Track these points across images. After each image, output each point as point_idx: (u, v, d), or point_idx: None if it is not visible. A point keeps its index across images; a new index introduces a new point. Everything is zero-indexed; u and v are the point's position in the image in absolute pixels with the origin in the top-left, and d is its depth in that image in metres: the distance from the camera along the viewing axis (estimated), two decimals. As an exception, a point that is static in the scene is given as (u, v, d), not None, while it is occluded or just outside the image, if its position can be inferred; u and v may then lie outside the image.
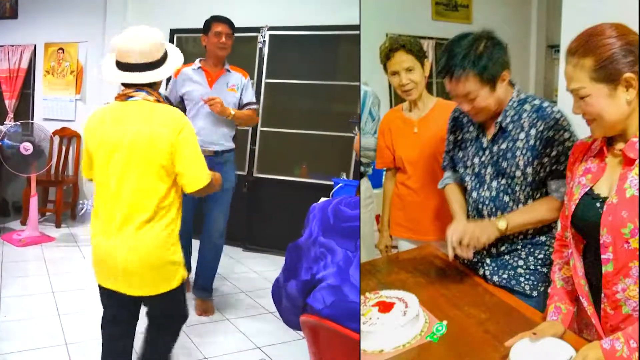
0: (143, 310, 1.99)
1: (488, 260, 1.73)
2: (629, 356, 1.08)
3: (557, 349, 1.22)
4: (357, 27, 4.05)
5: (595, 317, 1.28)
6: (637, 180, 1.17)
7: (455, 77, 1.54)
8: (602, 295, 1.25)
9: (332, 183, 3.47)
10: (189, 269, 3.03)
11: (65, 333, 2.69)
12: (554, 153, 1.54)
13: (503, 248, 1.69)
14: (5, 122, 5.05)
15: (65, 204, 5.00)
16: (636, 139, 1.19)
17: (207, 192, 1.86)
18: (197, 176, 1.79)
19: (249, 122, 3.30)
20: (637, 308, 1.19)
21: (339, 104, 4.53)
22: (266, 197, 4.61)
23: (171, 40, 4.79)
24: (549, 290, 1.47)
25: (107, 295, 1.89)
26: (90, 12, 5.02)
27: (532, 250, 1.67)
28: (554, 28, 5.51)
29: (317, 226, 1.35)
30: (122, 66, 1.79)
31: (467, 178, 1.77)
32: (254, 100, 3.23)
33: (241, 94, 3.16)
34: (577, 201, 1.28)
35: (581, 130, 1.43)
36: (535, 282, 1.66)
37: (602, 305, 1.26)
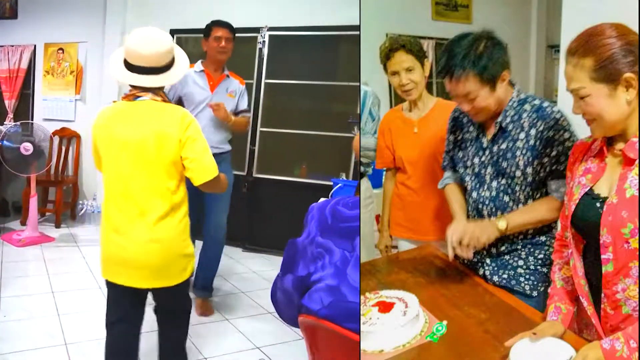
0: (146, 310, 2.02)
1: (488, 260, 1.73)
2: (629, 356, 1.08)
3: (557, 349, 1.22)
4: (357, 28, 4.05)
5: (595, 317, 1.28)
6: (637, 180, 1.17)
7: (455, 77, 1.54)
8: (602, 295, 1.25)
9: (331, 183, 3.47)
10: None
11: (64, 333, 2.69)
12: (554, 153, 1.54)
13: (503, 248, 1.69)
14: (5, 122, 5.05)
15: (65, 204, 4.99)
16: (636, 139, 1.19)
17: (214, 187, 1.91)
18: (206, 168, 1.84)
19: (243, 129, 3.40)
20: (637, 308, 1.19)
21: (338, 104, 4.53)
22: (266, 198, 4.61)
23: (171, 41, 4.78)
24: (549, 290, 1.47)
25: (116, 291, 1.92)
26: (90, 13, 5.02)
27: (532, 250, 1.67)
28: (554, 28, 5.51)
29: (315, 226, 1.35)
30: (132, 68, 1.82)
31: (467, 178, 1.77)
32: (247, 108, 3.34)
33: (237, 101, 3.24)
34: (577, 201, 1.28)
35: (581, 130, 1.43)
36: (535, 282, 1.66)
37: (602, 305, 1.26)
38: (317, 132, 4.47)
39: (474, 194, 1.74)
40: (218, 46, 3.08)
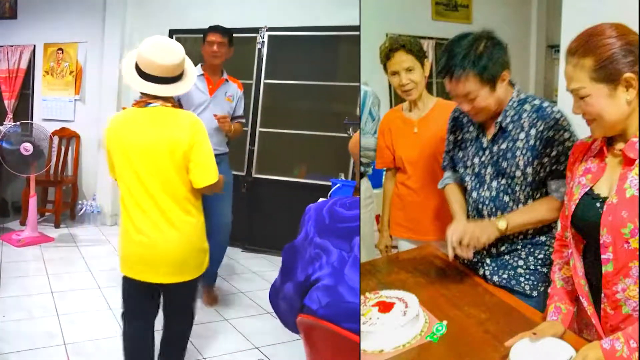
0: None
1: (488, 260, 1.73)
2: (629, 356, 1.08)
3: (557, 349, 1.22)
4: (356, 28, 4.05)
5: (595, 317, 1.28)
6: (637, 180, 1.17)
7: (455, 77, 1.54)
8: (602, 295, 1.25)
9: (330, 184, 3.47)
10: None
11: (64, 333, 2.69)
12: (554, 153, 1.54)
13: (503, 248, 1.69)
14: (4, 123, 5.04)
15: (64, 204, 4.99)
16: (636, 139, 1.19)
17: (213, 189, 2.00)
18: (208, 172, 1.94)
19: (237, 135, 3.48)
20: (637, 308, 1.19)
21: (338, 105, 4.53)
22: (265, 198, 4.61)
23: (170, 41, 4.78)
24: (549, 290, 1.47)
25: (131, 285, 2.02)
26: (90, 13, 5.02)
27: (532, 250, 1.67)
28: (554, 28, 5.51)
29: (312, 227, 1.35)
30: (146, 76, 1.90)
31: (467, 178, 1.77)
32: (243, 114, 3.46)
33: (235, 105, 3.34)
34: (577, 201, 1.28)
35: (581, 130, 1.43)
36: (535, 282, 1.66)
37: (602, 305, 1.26)
38: (317, 132, 4.47)
39: (474, 194, 1.74)
40: (211, 51, 3.19)
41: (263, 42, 4.57)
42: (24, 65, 5.27)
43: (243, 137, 4.49)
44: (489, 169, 1.68)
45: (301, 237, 1.37)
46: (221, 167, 3.13)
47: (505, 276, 1.69)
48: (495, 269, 1.71)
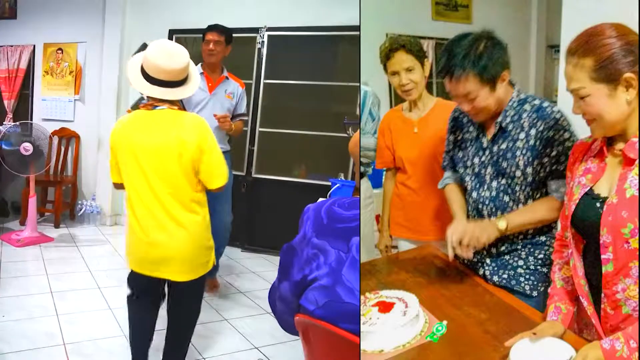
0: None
1: (488, 260, 1.73)
2: (629, 356, 1.08)
3: (557, 349, 1.22)
4: (356, 28, 4.05)
5: (595, 317, 1.28)
6: (637, 180, 1.17)
7: (455, 77, 1.54)
8: (602, 295, 1.25)
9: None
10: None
11: (63, 333, 2.69)
12: (554, 153, 1.54)
13: (503, 248, 1.69)
14: (4, 123, 5.04)
15: (64, 204, 4.99)
16: (636, 139, 1.19)
17: (221, 189, 2.09)
18: (220, 174, 2.05)
19: (238, 133, 3.53)
20: (637, 308, 1.19)
21: (337, 105, 4.53)
22: (265, 198, 4.61)
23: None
24: (549, 290, 1.47)
25: (140, 278, 2.10)
26: (89, 13, 5.01)
27: (532, 250, 1.67)
28: (554, 28, 5.50)
29: (310, 227, 1.34)
30: (152, 80, 1.96)
31: (467, 178, 1.77)
32: (246, 112, 3.48)
33: (236, 103, 3.36)
34: (577, 201, 1.28)
35: (581, 130, 1.43)
36: (535, 282, 1.66)
37: (602, 305, 1.26)
38: (317, 132, 4.47)
39: (474, 194, 1.74)
40: (207, 49, 3.22)
41: (263, 42, 4.57)
42: (23, 65, 5.27)
43: (243, 137, 4.49)
44: (489, 169, 1.68)
45: (299, 237, 1.37)
46: None
47: (505, 276, 1.69)
48: (495, 269, 1.71)
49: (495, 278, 1.70)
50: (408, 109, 2.30)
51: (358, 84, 3.98)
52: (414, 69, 2.13)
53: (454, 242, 1.56)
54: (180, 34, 4.77)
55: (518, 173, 1.60)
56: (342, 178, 3.95)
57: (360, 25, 3.12)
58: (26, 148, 4.24)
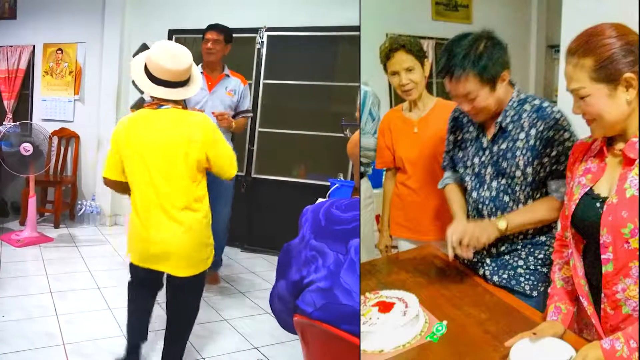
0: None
1: (488, 260, 1.73)
2: (629, 356, 1.08)
3: (557, 349, 1.22)
4: (355, 28, 4.05)
5: (595, 317, 1.28)
6: (637, 180, 1.17)
7: (455, 77, 1.53)
8: (602, 295, 1.25)
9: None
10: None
11: (63, 333, 2.69)
12: (554, 153, 1.54)
13: (503, 248, 1.69)
14: (4, 123, 5.04)
15: (64, 204, 4.99)
16: (636, 139, 1.19)
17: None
18: (232, 164, 2.17)
19: (242, 130, 3.61)
20: (637, 308, 1.19)
21: (337, 105, 4.53)
22: (264, 198, 4.60)
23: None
24: (549, 290, 1.47)
25: (140, 269, 2.16)
26: (89, 13, 5.01)
27: (532, 250, 1.67)
28: (554, 28, 5.50)
29: (309, 229, 1.34)
30: (156, 80, 2.02)
31: (467, 178, 1.77)
32: (249, 108, 3.50)
33: (238, 100, 3.37)
34: (577, 201, 1.28)
35: (581, 130, 1.43)
36: (535, 282, 1.66)
37: (602, 305, 1.26)
38: (316, 132, 4.47)
39: (474, 194, 1.74)
40: (205, 47, 3.26)
41: (262, 42, 4.56)
42: (23, 65, 5.26)
43: (242, 137, 4.49)
44: (489, 169, 1.68)
45: (298, 239, 1.37)
46: None
47: (505, 276, 1.69)
48: (495, 269, 1.71)
49: (495, 278, 1.70)
50: (408, 109, 2.30)
51: (358, 84, 3.98)
52: (414, 69, 2.13)
53: (454, 242, 1.56)
54: (180, 34, 4.77)
55: (518, 173, 1.60)
56: (342, 178, 3.95)
57: (360, 25, 3.12)
58: (26, 148, 4.24)
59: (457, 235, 1.56)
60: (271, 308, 1.49)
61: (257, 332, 2.89)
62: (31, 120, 5.04)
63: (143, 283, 2.27)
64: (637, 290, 1.17)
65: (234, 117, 3.37)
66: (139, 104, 2.28)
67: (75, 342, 2.60)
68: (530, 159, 1.58)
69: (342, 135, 4.20)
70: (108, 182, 2.15)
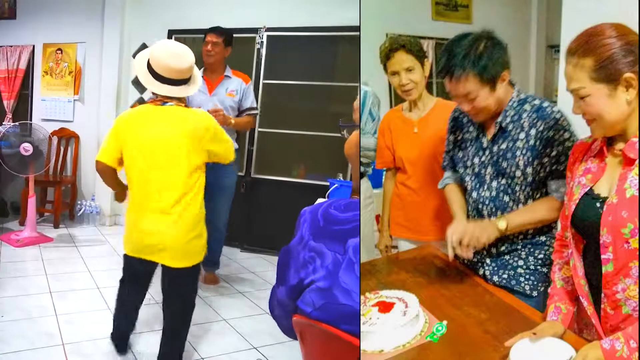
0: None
1: (488, 260, 1.73)
2: (629, 356, 1.08)
3: (557, 349, 1.22)
4: (355, 28, 4.05)
5: (595, 317, 1.28)
6: (637, 180, 1.17)
7: (455, 77, 1.53)
8: (602, 295, 1.25)
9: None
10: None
11: (62, 333, 2.69)
12: (554, 153, 1.54)
13: (503, 248, 1.69)
14: (3, 123, 5.04)
15: (63, 204, 4.98)
16: (636, 139, 1.19)
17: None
18: (230, 151, 2.32)
19: (247, 127, 3.64)
20: (637, 308, 1.19)
21: (337, 105, 4.52)
22: (264, 198, 4.60)
23: (169, 41, 4.78)
24: (549, 290, 1.47)
25: (134, 261, 2.24)
26: (89, 13, 5.00)
27: (532, 250, 1.67)
28: (554, 28, 5.50)
29: (307, 230, 1.34)
30: (162, 79, 2.11)
31: (467, 178, 1.77)
32: (254, 105, 3.48)
33: (241, 99, 3.37)
34: (577, 201, 1.28)
35: (581, 130, 1.43)
36: (535, 282, 1.66)
37: (602, 305, 1.26)
38: (316, 132, 4.47)
39: (474, 194, 1.74)
40: (205, 50, 3.29)
41: (262, 42, 4.56)
42: (23, 65, 5.26)
43: (242, 137, 4.49)
44: (489, 169, 1.68)
45: (296, 240, 1.37)
46: (228, 167, 3.25)
47: (505, 276, 1.69)
48: (495, 269, 1.71)
49: (495, 278, 1.70)
50: (408, 109, 2.30)
51: (358, 84, 3.98)
52: (414, 69, 2.13)
53: (454, 242, 1.56)
54: (180, 34, 4.77)
55: (518, 173, 1.60)
56: (341, 178, 3.95)
57: (360, 25, 3.12)
58: (26, 148, 4.24)
59: (457, 235, 1.56)
60: (272, 315, 1.49)
61: (256, 332, 2.89)
62: (31, 120, 5.03)
63: (135, 276, 2.33)
64: (637, 290, 1.17)
65: (237, 116, 3.38)
66: (139, 104, 2.33)
67: (74, 342, 2.60)
68: (530, 159, 1.58)
69: (341, 135, 4.20)
70: (100, 166, 2.20)
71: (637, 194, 1.15)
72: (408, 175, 2.29)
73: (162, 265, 2.21)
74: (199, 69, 3.29)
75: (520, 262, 1.68)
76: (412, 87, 2.15)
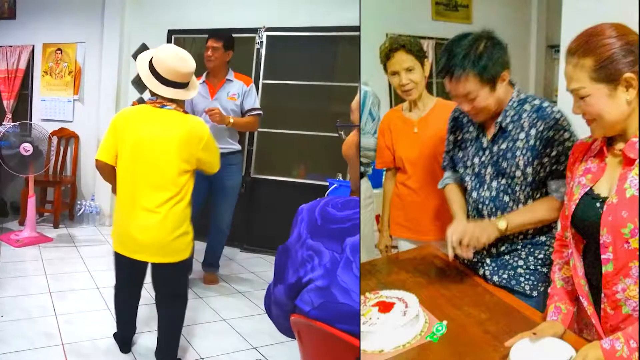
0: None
1: (488, 260, 1.73)
2: (629, 356, 1.08)
3: (557, 349, 1.22)
4: (355, 28, 4.05)
5: (595, 317, 1.28)
6: (637, 180, 1.17)
7: (455, 77, 1.53)
8: (602, 295, 1.25)
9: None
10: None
11: (62, 333, 2.69)
12: (554, 153, 1.54)
13: (503, 248, 1.69)
14: (3, 123, 5.04)
15: (63, 204, 4.99)
16: (636, 139, 1.19)
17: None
18: (217, 163, 2.39)
19: (249, 128, 3.64)
20: (637, 308, 1.19)
21: (336, 105, 4.52)
22: (264, 198, 4.60)
23: (169, 41, 4.78)
24: (549, 290, 1.47)
25: (121, 261, 2.29)
26: (89, 13, 5.01)
27: (532, 250, 1.67)
28: (554, 28, 5.50)
29: (305, 228, 1.33)
30: (166, 81, 2.18)
31: (467, 178, 1.77)
32: (256, 106, 3.47)
33: (241, 102, 3.39)
34: (577, 201, 1.28)
35: (581, 130, 1.43)
36: (535, 282, 1.66)
37: (602, 305, 1.26)
38: (316, 132, 4.47)
39: (474, 194, 1.74)
40: (205, 55, 3.32)
41: (262, 42, 4.56)
42: (22, 65, 5.26)
43: (242, 137, 4.48)
44: (489, 169, 1.68)
45: (293, 238, 1.36)
46: (233, 169, 3.44)
47: (505, 276, 1.69)
48: (495, 269, 1.71)
49: (495, 278, 1.70)
50: (408, 109, 2.30)
51: (358, 84, 3.98)
52: (414, 69, 2.13)
53: (454, 242, 1.56)
54: (179, 34, 4.77)
55: (518, 173, 1.60)
56: (341, 178, 3.95)
57: (360, 25, 3.12)
58: (26, 148, 4.24)
59: (457, 235, 1.56)
60: (268, 314, 1.49)
61: (256, 332, 2.89)
62: (31, 120, 5.04)
63: (127, 277, 2.38)
64: (637, 290, 1.17)
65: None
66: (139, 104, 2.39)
67: (74, 342, 2.60)
68: (530, 159, 1.58)
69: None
70: (99, 164, 2.26)
71: (637, 194, 1.15)
72: (408, 175, 2.28)
73: (151, 263, 2.27)
74: (203, 73, 3.33)
75: (520, 262, 1.68)
76: (412, 87, 2.15)
